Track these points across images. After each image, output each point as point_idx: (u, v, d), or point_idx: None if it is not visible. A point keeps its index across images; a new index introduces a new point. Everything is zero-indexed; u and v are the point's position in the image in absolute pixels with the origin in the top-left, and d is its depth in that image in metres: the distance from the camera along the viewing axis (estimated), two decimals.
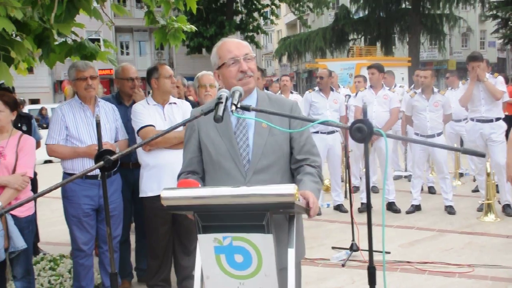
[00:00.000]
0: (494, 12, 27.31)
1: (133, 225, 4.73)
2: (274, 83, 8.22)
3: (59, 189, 3.22)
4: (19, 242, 3.30)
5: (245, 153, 2.24)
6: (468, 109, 6.77)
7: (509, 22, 26.66)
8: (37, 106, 20.32)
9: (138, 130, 3.85)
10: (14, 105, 3.51)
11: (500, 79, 6.17)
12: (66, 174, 3.82)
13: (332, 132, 6.71)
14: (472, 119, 6.31)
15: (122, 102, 4.39)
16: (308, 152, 2.32)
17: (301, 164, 2.30)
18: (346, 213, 6.60)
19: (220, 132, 2.27)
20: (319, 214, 6.61)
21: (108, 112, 3.94)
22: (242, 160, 2.23)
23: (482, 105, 6.15)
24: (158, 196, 1.90)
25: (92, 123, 3.77)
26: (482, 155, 1.90)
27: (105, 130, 3.80)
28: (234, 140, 2.25)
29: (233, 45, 2.27)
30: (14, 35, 3.18)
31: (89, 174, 3.67)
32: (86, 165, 3.71)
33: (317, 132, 6.56)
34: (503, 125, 6.16)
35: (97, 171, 3.48)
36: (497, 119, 6.14)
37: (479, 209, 6.33)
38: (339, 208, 6.81)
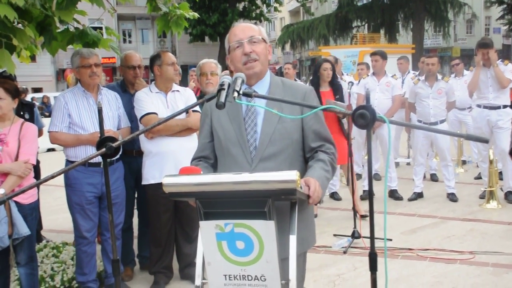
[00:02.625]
0: None
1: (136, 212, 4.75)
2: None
3: (62, 177, 3.24)
4: (23, 229, 3.32)
5: (253, 139, 2.22)
6: (472, 97, 6.73)
7: None
8: (40, 95, 20.32)
9: (141, 118, 3.85)
10: (16, 92, 3.51)
11: (510, 67, 6.08)
12: (68, 162, 3.82)
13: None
14: (479, 106, 6.26)
15: (127, 90, 4.38)
16: (323, 138, 2.29)
17: (316, 151, 2.27)
18: (340, 200, 6.63)
19: (230, 118, 2.26)
20: (320, 202, 6.61)
21: (111, 100, 3.94)
22: (249, 147, 2.22)
23: (490, 92, 6.11)
24: (160, 183, 1.91)
25: (94, 110, 3.77)
26: (486, 141, 1.89)
27: (107, 117, 3.80)
28: (243, 126, 2.23)
29: (239, 28, 2.25)
30: (16, 23, 3.17)
31: (92, 161, 3.69)
32: (89, 152, 3.71)
33: None
34: (510, 112, 6.13)
35: (100, 159, 3.50)
36: (505, 106, 6.12)
37: (481, 196, 6.34)
38: (333, 196, 6.81)
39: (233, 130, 2.25)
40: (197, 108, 3.87)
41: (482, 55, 6.01)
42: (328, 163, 2.22)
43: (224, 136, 2.27)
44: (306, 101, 2.27)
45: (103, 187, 3.76)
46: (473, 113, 6.47)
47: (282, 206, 2.02)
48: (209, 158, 2.37)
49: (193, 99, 4.04)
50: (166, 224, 3.98)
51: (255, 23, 2.39)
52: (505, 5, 27.27)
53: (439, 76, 6.40)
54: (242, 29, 2.24)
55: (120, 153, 3.81)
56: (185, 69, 8.80)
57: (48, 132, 3.79)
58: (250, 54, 2.20)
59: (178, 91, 4.02)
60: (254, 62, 2.21)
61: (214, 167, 2.37)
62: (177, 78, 4.17)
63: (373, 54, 6.94)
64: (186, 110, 2.10)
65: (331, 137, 2.35)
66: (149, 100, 3.87)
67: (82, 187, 3.74)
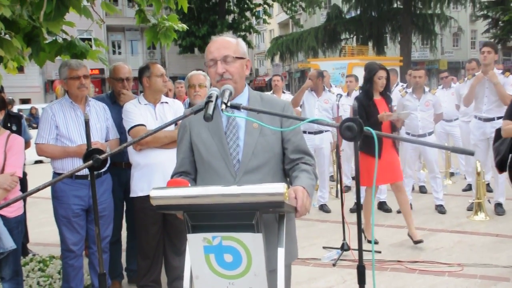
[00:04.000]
0: (485, 12, 27.53)
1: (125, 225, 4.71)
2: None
3: (49, 190, 3.19)
4: (8, 243, 3.27)
5: (235, 153, 2.23)
6: (459, 109, 6.77)
7: (500, 22, 26.87)
8: (28, 106, 20.18)
9: (129, 130, 3.83)
10: (2, 104, 3.48)
11: (511, 79, 5.91)
12: (56, 174, 3.78)
13: (320, 132, 6.67)
14: (475, 117, 6.22)
15: (116, 101, 4.35)
16: (302, 151, 2.31)
17: (296, 163, 2.29)
18: (329, 213, 6.62)
19: (211, 132, 2.26)
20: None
21: (99, 111, 3.91)
22: (232, 160, 2.22)
23: (484, 104, 6.07)
24: (148, 196, 1.89)
25: (82, 122, 3.74)
26: (471, 154, 1.90)
27: (95, 129, 3.78)
28: (225, 140, 2.24)
29: (214, 46, 2.25)
30: (3, 34, 3.15)
31: (79, 174, 3.66)
32: (76, 164, 3.68)
33: (304, 132, 6.49)
34: None
35: (87, 171, 3.47)
36: (499, 118, 5.91)
37: (469, 209, 6.37)
38: (322, 208, 6.81)
39: (214, 144, 2.25)
40: None
41: (481, 54, 5.92)
42: (312, 173, 2.25)
43: (206, 151, 2.26)
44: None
45: (90, 200, 3.72)
46: (471, 125, 6.46)
47: (268, 219, 2.02)
48: (189, 173, 2.37)
49: (182, 111, 4.03)
50: (154, 237, 3.94)
51: (244, 37, 2.38)
52: (490, 19, 27.72)
53: (426, 89, 6.43)
54: (217, 48, 2.23)
55: (108, 165, 3.78)
56: (175, 80, 8.81)
57: (35, 144, 3.75)
58: (223, 74, 2.21)
59: (167, 102, 4.01)
60: (227, 81, 2.21)
61: (195, 182, 2.36)
62: (165, 90, 4.14)
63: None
64: (175, 122, 2.09)
65: (310, 150, 2.39)
66: (137, 112, 3.85)
67: (69, 199, 3.70)
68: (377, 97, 5.26)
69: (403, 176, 5.41)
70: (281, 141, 2.31)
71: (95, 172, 2.06)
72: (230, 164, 2.22)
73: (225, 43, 2.25)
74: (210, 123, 2.20)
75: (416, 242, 5.06)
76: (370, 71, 5.23)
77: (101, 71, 28.39)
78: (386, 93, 5.33)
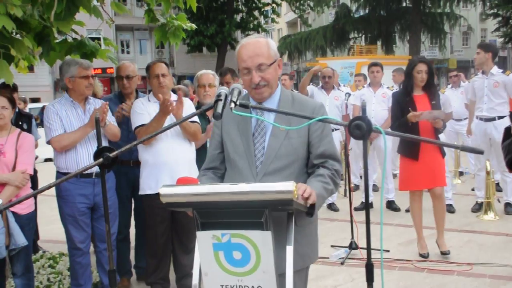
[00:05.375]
0: (495, 10, 27.25)
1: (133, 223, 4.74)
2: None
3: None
4: (20, 239, 3.31)
5: (260, 154, 2.26)
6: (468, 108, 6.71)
7: (510, 21, 26.62)
8: (39, 105, 20.27)
9: (134, 130, 3.87)
10: (13, 103, 3.54)
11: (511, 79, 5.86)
12: (59, 173, 3.80)
13: (331, 130, 6.66)
14: (477, 117, 6.16)
15: (124, 100, 4.38)
16: (327, 155, 2.29)
17: (318, 166, 2.29)
18: (338, 211, 6.61)
19: (240, 132, 2.30)
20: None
21: None
22: (255, 161, 2.25)
23: (484, 103, 6.01)
24: (156, 194, 1.91)
25: (83, 120, 3.77)
26: (480, 153, 1.90)
27: None
28: (251, 141, 2.27)
29: (246, 53, 2.20)
30: (14, 33, 3.19)
31: (83, 172, 3.67)
32: (79, 162, 3.70)
33: None
34: (506, 124, 5.97)
35: (92, 169, 3.50)
36: (500, 117, 5.95)
37: (474, 210, 6.33)
38: (330, 207, 6.81)
39: (241, 144, 2.28)
40: (196, 118, 3.87)
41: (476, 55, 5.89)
42: (327, 177, 2.22)
43: (233, 149, 2.30)
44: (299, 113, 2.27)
45: (95, 198, 3.76)
46: (473, 125, 6.43)
47: (280, 219, 2.02)
48: (218, 169, 2.41)
49: (192, 109, 4.03)
50: (162, 235, 3.96)
51: (248, 34, 2.38)
52: (500, 18, 27.48)
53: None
54: (250, 56, 2.19)
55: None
56: (183, 79, 8.84)
57: (50, 140, 3.68)
58: (259, 82, 2.21)
59: (175, 101, 4.01)
60: (263, 88, 2.23)
61: (222, 178, 2.40)
62: (164, 89, 3.99)
63: (374, 65, 6.82)
64: (183, 121, 2.11)
65: (337, 154, 2.35)
66: (144, 111, 3.86)
67: (74, 198, 3.72)
68: (418, 93, 4.84)
69: (446, 182, 5.01)
70: (307, 145, 2.30)
71: (98, 170, 2.07)
72: (253, 165, 2.25)
73: (257, 50, 2.20)
74: (240, 123, 2.25)
75: (443, 253, 4.80)
76: (409, 65, 4.88)
77: (104, 70, 28.51)
78: (430, 89, 4.86)
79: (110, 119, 3.94)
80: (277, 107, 2.28)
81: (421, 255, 4.81)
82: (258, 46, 2.22)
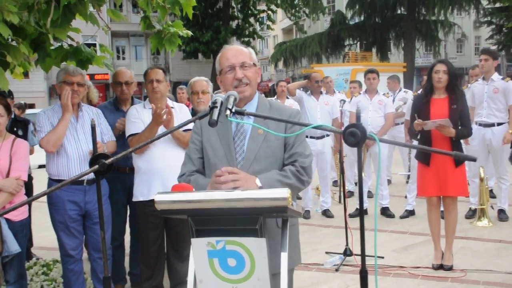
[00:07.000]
0: (489, 18, 27.48)
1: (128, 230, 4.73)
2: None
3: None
4: (13, 246, 3.30)
5: (240, 158, 2.29)
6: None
7: (504, 29, 26.82)
8: (33, 111, 20.23)
9: (127, 138, 3.88)
10: (8, 109, 3.53)
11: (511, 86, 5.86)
12: (51, 180, 3.78)
13: (322, 137, 6.67)
14: (476, 123, 6.13)
15: (119, 107, 4.38)
16: (296, 154, 2.33)
17: (286, 165, 2.33)
18: (332, 218, 6.62)
19: (220, 137, 2.34)
20: (307, 218, 6.61)
21: (92, 116, 3.90)
22: (236, 165, 2.27)
23: (484, 108, 6.01)
24: (149, 201, 1.92)
25: (75, 127, 3.77)
26: (473, 160, 1.91)
27: (88, 134, 3.77)
28: (232, 145, 2.31)
29: (231, 52, 2.34)
30: (10, 40, 3.19)
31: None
32: (71, 168, 3.68)
33: (306, 137, 6.45)
34: (504, 131, 5.91)
35: (82, 177, 3.47)
36: (499, 124, 5.95)
37: (467, 216, 6.35)
38: (325, 213, 6.82)
39: (222, 149, 2.32)
40: (190, 126, 3.87)
41: (479, 62, 5.89)
42: (289, 171, 2.26)
43: (213, 154, 2.34)
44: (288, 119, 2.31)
45: (86, 205, 3.74)
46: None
47: (269, 224, 2.04)
48: (202, 172, 2.42)
49: (188, 116, 4.04)
50: (155, 242, 3.94)
51: (247, 43, 2.44)
52: (493, 26, 27.69)
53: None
54: (234, 54, 2.33)
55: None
56: (178, 86, 8.85)
57: (40, 142, 3.66)
58: (242, 79, 2.29)
59: (173, 107, 4.02)
60: (245, 86, 2.31)
61: None
62: (157, 95, 3.99)
63: (370, 71, 6.80)
64: (177, 129, 2.11)
65: (308, 152, 2.36)
66: (138, 118, 3.86)
67: (65, 205, 3.69)
68: (439, 96, 4.58)
69: (465, 192, 4.68)
70: (283, 146, 2.35)
71: (91, 178, 2.06)
72: None
73: (240, 50, 2.35)
74: (220, 129, 2.28)
75: (447, 267, 4.60)
76: (431, 67, 4.67)
77: (92, 76, 28.45)
78: (453, 92, 4.54)
79: (104, 129, 3.94)
80: (255, 112, 2.32)
81: (433, 265, 4.68)
82: (241, 49, 2.38)
